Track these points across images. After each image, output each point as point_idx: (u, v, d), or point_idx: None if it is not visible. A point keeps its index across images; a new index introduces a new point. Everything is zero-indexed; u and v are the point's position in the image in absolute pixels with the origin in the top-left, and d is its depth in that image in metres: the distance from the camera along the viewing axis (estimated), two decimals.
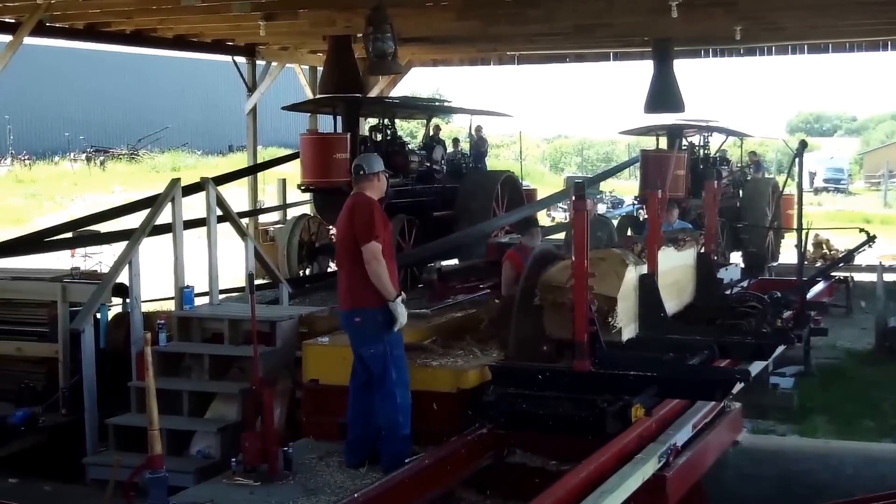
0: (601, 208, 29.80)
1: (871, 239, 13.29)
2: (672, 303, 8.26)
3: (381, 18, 15.20)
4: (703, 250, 9.45)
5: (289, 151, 24.57)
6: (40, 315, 10.43)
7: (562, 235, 19.79)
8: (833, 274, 14.63)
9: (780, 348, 8.95)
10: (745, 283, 10.92)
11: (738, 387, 7.01)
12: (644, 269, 7.65)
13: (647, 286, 7.57)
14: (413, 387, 7.44)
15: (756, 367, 8.49)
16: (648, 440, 6.51)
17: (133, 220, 13.28)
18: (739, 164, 22.88)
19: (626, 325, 7.18)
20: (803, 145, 9.95)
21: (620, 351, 7.08)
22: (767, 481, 8.23)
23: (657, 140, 20.61)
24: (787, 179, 11.56)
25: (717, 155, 21.10)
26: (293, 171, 19.82)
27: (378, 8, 15.02)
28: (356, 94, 18.21)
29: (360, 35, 17.36)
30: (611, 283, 7.07)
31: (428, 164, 18.77)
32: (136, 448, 8.31)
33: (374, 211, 7.39)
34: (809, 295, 12.06)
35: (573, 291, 6.48)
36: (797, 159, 9.90)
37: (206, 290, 10.65)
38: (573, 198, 6.51)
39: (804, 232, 10.17)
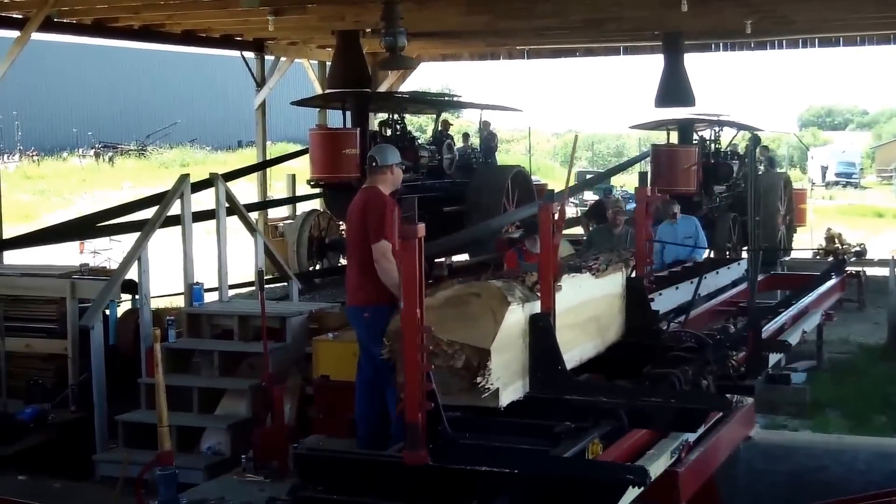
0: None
1: (842, 263, 13.03)
2: (588, 346, 6.64)
3: (394, 13, 15.26)
4: (633, 274, 7.54)
5: (298, 147, 24.61)
6: (49, 312, 10.41)
7: (572, 231, 19.80)
8: (847, 269, 14.59)
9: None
10: (681, 319, 8.57)
11: (633, 492, 5.11)
12: (538, 306, 5.85)
13: (541, 330, 5.75)
14: None
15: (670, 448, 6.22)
16: (660, 436, 6.42)
17: (142, 217, 13.27)
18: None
19: (508, 384, 5.53)
20: (755, 141, 9.35)
21: (482, 427, 5.49)
22: (780, 477, 8.19)
23: (668, 134, 20.55)
24: (751, 173, 9.47)
25: (729, 149, 21.02)
26: (303, 167, 19.81)
27: (391, 3, 15.07)
28: (365, 89, 18.20)
29: (368, 30, 17.40)
30: (484, 328, 5.36)
31: (438, 160, 18.74)
32: (146, 445, 8.29)
33: (387, 208, 7.32)
34: (814, 296, 11.36)
35: (405, 354, 4.87)
36: (752, 158, 9.35)
37: (216, 286, 10.62)
38: (400, 215, 5.12)
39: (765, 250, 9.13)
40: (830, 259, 19.20)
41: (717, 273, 11.69)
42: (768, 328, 9.32)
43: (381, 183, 7.52)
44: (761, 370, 7.39)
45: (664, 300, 9.50)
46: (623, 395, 5.93)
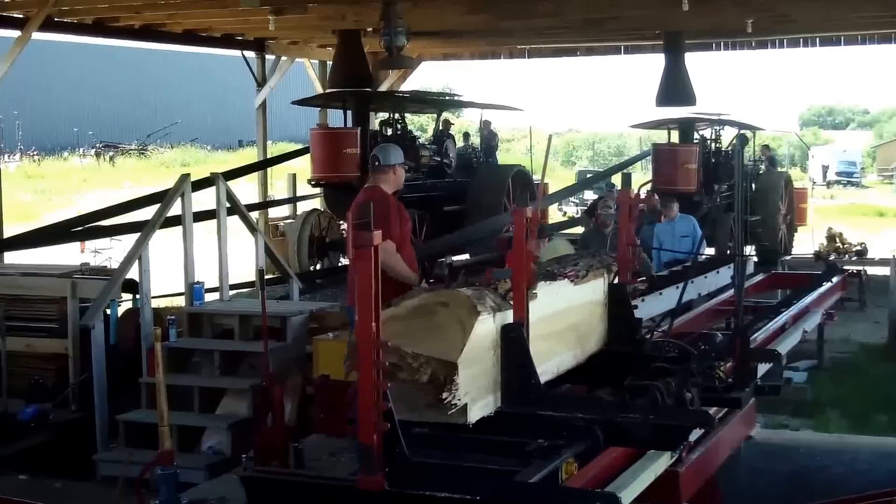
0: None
1: (833, 268, 12.89)
2: (566, 356, 6.22)
3: (394, 12, 15.28)
4: (615, 280, 7.02)
5: (299, 146, 24.60)
6: (50, 311, 10.41)
7: (573, 230, 19.80)
8: (847, 267, 14.59)
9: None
10: (665, 327, 7.88)
11: None
12: (510, 315, 5.44)
13: (514, 341, 5.37)
14: None
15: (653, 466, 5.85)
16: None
17: (142, 216, 13.27)
18: (752, 158, 22.77)
19: (478, 398, 5.16)
20: (742, 141, 9.08)
21: (450, 445, 5.14)
22: (781, 476, 8.18)
23: (668, 133, 20.56)
24: (738, 173, 8.51)
25: (730, 148, 21.04)
26: (304, 167, 19.81)
27: (390, 2, 15.08)
28: (366, 88, 18.21)
29: (370, 29, 17.41)
30: (451, 340, 5.00)
31: (438, 159, 18.75)
32: (147, 444, 8.28)
33: (390, 209, 7.31)
34: (805, 303, 10.91)
35: (359, 370, 4.58)
36: (738, 157, 8.99)
37: (217, 285, 10.63)
38: (353, 239, 4.55)
39: (741, 258, 8.12)
40: (833, 257, 19.21)
41: (718, 273, 11.65)
42: (768, 328, 9.31)
43: (383, 182, 7.50)
44: (750, 381, 6.82)
45: (654, 304, 9.40)
46: (600, 410, 5.54)
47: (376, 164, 7.54)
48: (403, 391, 4.91)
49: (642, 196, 8.62)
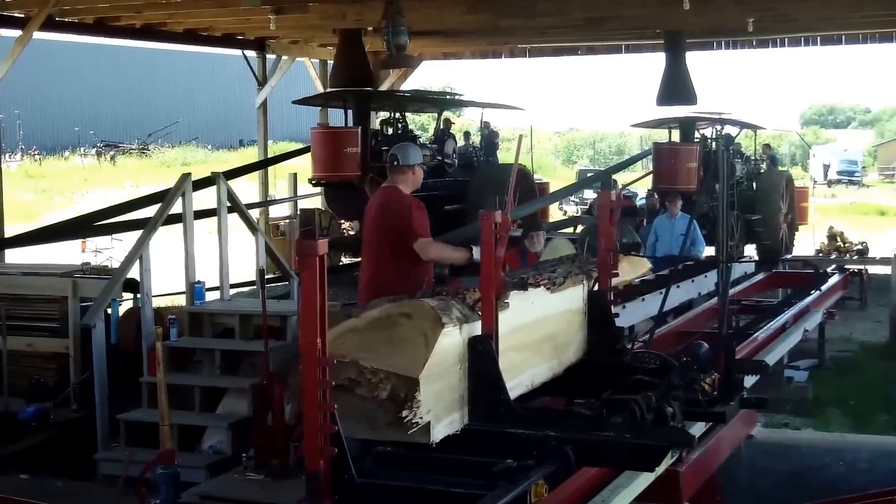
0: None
1: (823, 276, 12.79)
2: (541, 368, 5.87)
3: (396, 11, 15.31)
4: (595, 287, 6.52)
5: (300, 145, 24.62)
6: (51, 310, 10.42)
7: (572, 230, 19.80)
8: (847, 266, 14.60)
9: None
10: (646, 337, 7.47)
11: None
12: (478, 327, 5.11)
13: (481, 354, 5.05)
14: None
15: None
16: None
17: (143, 215, 13.27)
18: (753, 157, 22.76)
19: (442, 416, 4.85)
20: (727, 141, 8.72)
21: (412, 465, 4.87)
22: (781, 475, 8.18)
23: (669, 133, 20.55)
24: (723, 177, 7.84)
25: (731, 148, 20.98)
26: (304, 166, 19.82)
27: (391, 1, 15.12)
28: (367, 87, 18.21)
29: (370, 28, 17.42)
30: (413, 354, 4.71)
31: (439, 158, 18.75)
32: (148, 444, 8.28)
33: (412, 207, 7.29)
34: (794, 311, 10.72)
35: (303, 391, 4.26)
36: (722, 158, 8.73)
37: (217, 285, 10.62)
38: (297, 248, 4.20)
39: (727, 264, 7.26)
40: (834, 256, 19.21)
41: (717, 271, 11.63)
42: (769, 327, 9.32)
43: (401, 183, 7.42)
44: (735, 394, 6.38)
45: (652, 304, 9.32)
46: (572, 427, 5.18)
47: (395, 163, 7.42)
48: (363, 409, 4.68)
49: (623, 197, 8.29)
